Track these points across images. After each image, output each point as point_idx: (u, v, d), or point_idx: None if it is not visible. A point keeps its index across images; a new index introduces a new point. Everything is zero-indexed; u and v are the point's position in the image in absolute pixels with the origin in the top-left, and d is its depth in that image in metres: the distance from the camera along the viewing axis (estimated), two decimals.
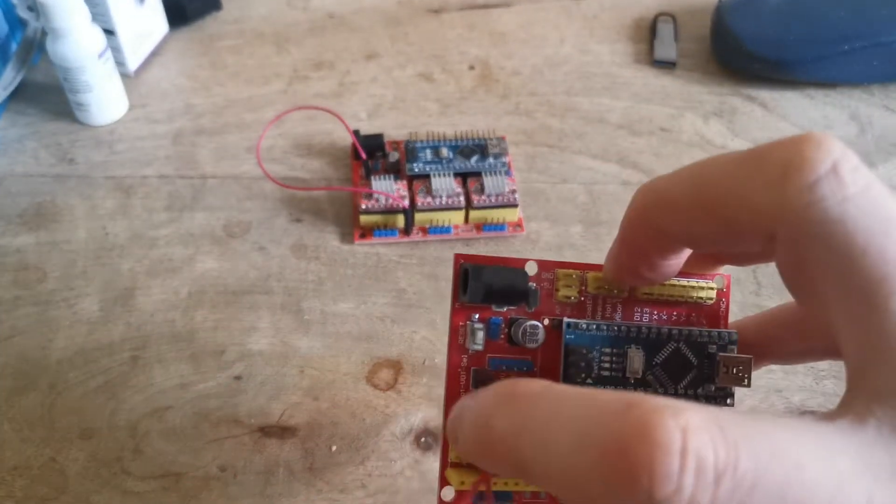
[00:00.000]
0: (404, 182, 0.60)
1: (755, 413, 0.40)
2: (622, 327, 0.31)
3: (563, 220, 0.61)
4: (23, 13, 0.69)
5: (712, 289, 0.32)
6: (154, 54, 0.73)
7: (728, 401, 0.31)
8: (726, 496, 0.19)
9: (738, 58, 0.70)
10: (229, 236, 0.60)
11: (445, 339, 0.53)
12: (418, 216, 0.59)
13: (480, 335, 0.30)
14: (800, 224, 0.23)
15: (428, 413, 0.51)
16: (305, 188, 0.63)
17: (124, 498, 0.47)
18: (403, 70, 0.73)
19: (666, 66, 0.73)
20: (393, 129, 0.67)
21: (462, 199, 0.59)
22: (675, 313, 0.32)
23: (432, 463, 0.49)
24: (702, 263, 0.32)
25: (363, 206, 0.58)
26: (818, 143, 0.23)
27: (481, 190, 0.59)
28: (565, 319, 0.31)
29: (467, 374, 0.31)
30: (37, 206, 0.61)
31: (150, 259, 0.58)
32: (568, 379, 0.30)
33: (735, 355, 0.31)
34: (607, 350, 0.30)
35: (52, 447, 0.49)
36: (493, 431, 0.24)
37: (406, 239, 0.59)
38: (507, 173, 0.60)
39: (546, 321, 0.31)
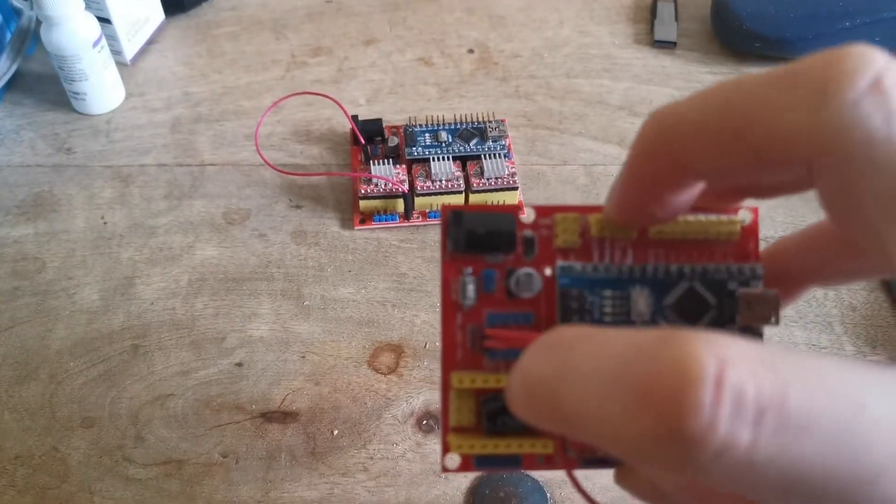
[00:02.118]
0: (404, 166, 0.59)
1: (807, 351, 0.36)
2: (623, 268, 0.27)
3: (564, 202, 0.61)
4: (16, 2, 0.69)
5: (735, 223, 0.28)
6: (150, 42, 0.73)
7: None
8: (771, 436, 0.17)
9: (738, 37, 0.70)
10: (229, 223, 0.59)
11: None
12: (418, 200, 0.58)
13: (471, 288, 0.27)
14: (843, 147, 0.21)
15: (429, 396, 0.51)
16: (305, 174, 0.62)
17: (126, 485, 0.47)
18: (402, 55, 0.73)
19: (666, 46, 0.73)
20: (392, 113, 0.67)
21: (462, 182, 0.58)
22: (694, 254, 0.28)
23: (434, 445, 0.49)
24: (719, 198, 0.28)
25: (363, 192, 0.58)
26: (858, 55, 0.21)
27: (481, 173, 0.58)
28: (558, 263, 0.28)
29: (463, 332, 0.28)
30: (35, 196, 0.61)
31: (150, 247, 0.58)
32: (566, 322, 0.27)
33: (759, 290, 0.27)
34: (608, 293, 0.27)
35: (53, 436, 0.49)
36: (534, 380, 0.22)
37: (406, 223, 0.59)
38: (507, 156, 0.60)
39: (548, 271, 0.28)
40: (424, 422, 0.50)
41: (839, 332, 0.53)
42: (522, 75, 0.70)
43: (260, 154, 0.62)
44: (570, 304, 0.27)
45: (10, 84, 0.69)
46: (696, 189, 0.26)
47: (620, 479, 0.28)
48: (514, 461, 0.28)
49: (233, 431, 0.49)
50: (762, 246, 0.28)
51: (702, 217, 0.28)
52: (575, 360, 0.21)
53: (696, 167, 0.24)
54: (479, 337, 0.28)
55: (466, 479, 0.47)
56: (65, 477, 0.48)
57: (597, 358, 0.20)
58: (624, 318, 0.27)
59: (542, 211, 0.28)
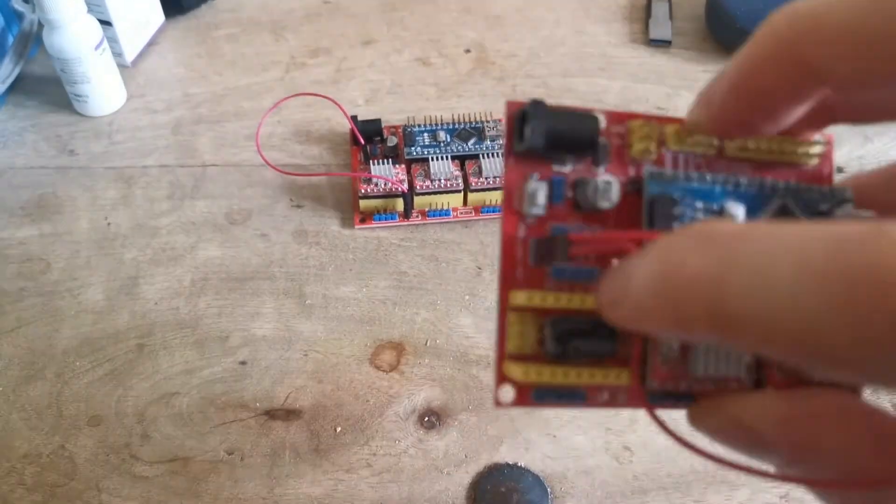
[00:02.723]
0: (403, 166, 0.60)
1: None
2: (717, 177, 0.24)
3: None
4: (18, 5, 0.69)
5: (817, 146, 0.25)
6: (151, 44, 0.74)
7: None
8: None
9: (732, 35, 0.70)
10: (231, 224, 0.60)
11: (446, 321, 0.54)
12: (417, 200, 0.59)
13: (542, 195, 0.24)
14: None
15: (431, 393, 0.51)
16: (305, 174, 0.63)
17: (133, 483, 0.48)
18: (400, 55, 0.73)
19: (661, 45, 0.73)
20: (391, 114, 0.67)
21: (460, 181, 0.59)
22: (771, 177, 0.25)
23: (436, 442, 0.49)
24: (810, 119, 0.25)
25: (362, 191, 0.59)
26: None
27: (479, 172, 0.59)
28: (646, 167, 0.24)
29: (525, 248, 0.24)
30: (38, 198, 0.62)
31: (153, 248, 0.59)
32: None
33: (855, 211, 0.24)
34: (699, 205, 0.24)
35: (60, 435, 0.50)
36: (687, 273, 0.19)
37: (406, 222, 0.60)
38: None
39: (618, 182, 0.24)
40: (426, 418, 0.50)
41: None
42: (519, 75, 0.71)
43: (261, 154, 0.63)
44: (663, 213, 0.24)
45: (13, 87, 0.69)
46: (810, 102, 0.23)
47: (697, 419, 0.24)
48: (577, 395, 0.24)
49: (237, 429, 0.50)
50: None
51: (780, 139, 0.25)
52: (748, 253, 0.18)
53: (835, 74, 0.21)
54: (562, 243, 0.24)
55: (468, 475, 0.48)
56: (72, 475, 0.48)
57: (778, 248, 0.18)
58: None
59: (613, 117, 0.25)
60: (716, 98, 0.24)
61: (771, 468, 0.22)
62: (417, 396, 0.51)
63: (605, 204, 0.24)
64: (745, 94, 0.23)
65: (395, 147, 0.62)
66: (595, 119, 0.24)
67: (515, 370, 0.23)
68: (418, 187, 0.59)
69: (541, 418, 0.51)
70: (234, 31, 0.75)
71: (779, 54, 0.21)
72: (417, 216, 0.60)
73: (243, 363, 0.53)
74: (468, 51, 0.73)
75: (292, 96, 0.68)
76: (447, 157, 0.60)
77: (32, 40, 0.70)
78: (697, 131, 0.25)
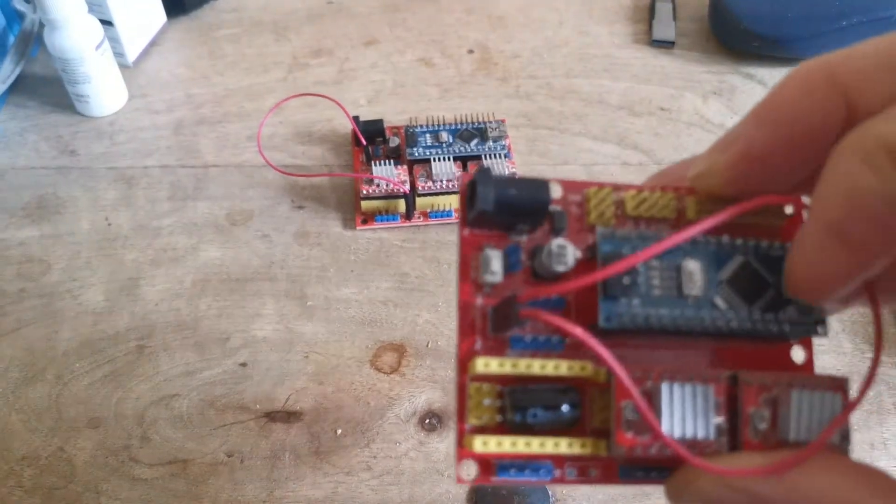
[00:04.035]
0: (405, 167, 0.60)
1: None
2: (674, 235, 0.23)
3: None
4: (19, 5, 0.69)
5: (783, 207, 0.25)
6: (152, 45, 0.73)
7: (818, 328, 0.24)
8: None
9: (736, 36, 0.70)
10: (232, 224, 0.60)
11: (447, 323, 0.54)
12: (419, 201, 0.59)
13: (496, 263, 0.24)
14: None
15: (432, 395, 0.51)
16: (307, 175, 0.63)
17: (133, 485, 0.48)
18: (403, 55, 0.73)
19: (665, 45, 0.73)
20: (393, 114, 0.67)
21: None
22: (757, 235, 0.24)
23: (437, 444, 0.49)
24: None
25: (364, 192, 0.58)
26: None
27: None
28: (599, 228, 0.24)
29: (484, 317, 0.24)
30: (39, 198, 0.62)
31: (154, 249, 0.59)
32: (608, 301, 0.23)
33: None
34: (656, 264, 0.23)
35: (59, 437, 0.50)
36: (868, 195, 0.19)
37: (407, 223, 0.59)
38: (507, 156, 0.60)
39: (577, 253, 0.24)
40: (427, 421, 0.50)
41: (837, 329, 0.53)
42: (522, 75, 0.71)
43: (262, 155, 0.62)
44: (619, 276, 0.23)
45: (14, 87, 0.69)
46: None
47: (676, 491, 0.23)
48: (542, 469, 0.24)
49: (237, 431, 0.50)
50: None
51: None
52: None
53: (866, 94, 0.20)
54: (511, 306, 0.23)
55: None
56: (71, 477, 0.48)
57: None
58: (675, 292, 0.23)
59: (570, 186, 0.25)
60: (737, 138, 0.23)
61: None
62: (418, 398, 0.51)
63: (560, 268, 0.24)
64: (774, 123, 0.22)
65: (398, 148, 0.61)
66: (545, 185, 0.24)
67: (475, 442, 0.23)
68: (420, 188, 0.58)
69: None
70: (236, 31, 0.75)
71: (811, 80, 0.21)
72: (419, 217, 0.59)
73: (244, 365, 0.53)
74: (471, 51, 0.73)
75: (294, 97, 0.68)
76: (449, 158, 0.59)
77: (33, 40, 0.70)
78: (711, 185, 0.24)
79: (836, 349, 0.52)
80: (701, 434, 0.22)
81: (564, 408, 0.23)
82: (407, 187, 0.58)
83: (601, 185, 0.25)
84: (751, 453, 0.22)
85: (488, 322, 0.24)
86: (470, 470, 0.23)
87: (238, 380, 0.52)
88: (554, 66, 0.72)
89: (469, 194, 0.24)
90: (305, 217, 0.60)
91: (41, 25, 0.68)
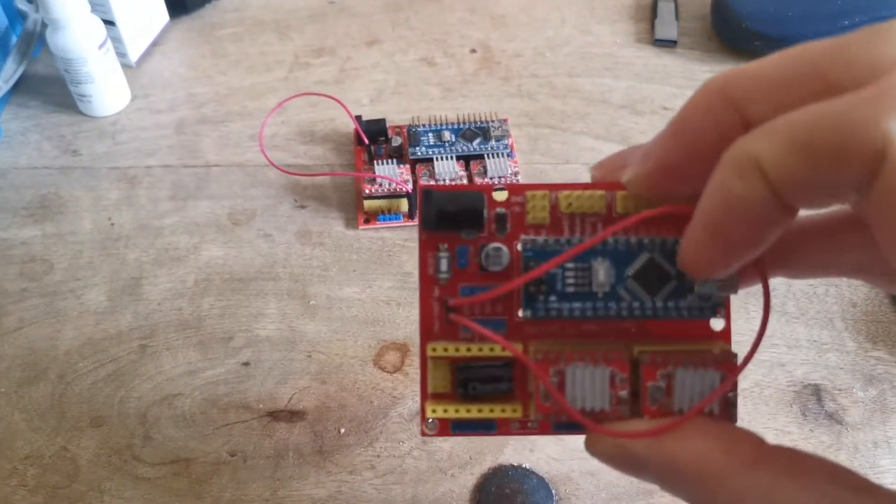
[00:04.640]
0: (407, 166, 0.60)
1: None
2: (584, 240, 0.28)
3: None
4: (22, 5, 0.69)
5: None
6: (155, 44, 0.73)
7: (718, 311, 0.28)
8: None
9: (738, 35, 0.70)
10: (234, 224, 0.60)
11: None
12: None
13: (445, 263, 0.29)
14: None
15: None
16: (309, 174, 0.63)
17: (136, 484, 0.48)
18: (405, 55, 0.73)
19: (667, 45, 0.73)
20: (395, 113, 0.67)
21: (465, 181, 0.59)
22: (660, 229, 0.28)
23: (440, 443, 0.49)
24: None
25: (367, 191, 0.58)
26: None
27: (484, 172, 0.59)
28: (521, 237, 0.29)
29: (440, 305, 0.30)
30: (41, 198, 0.62)
31: (156, 248, 0.59)
32: (530, 298, 0.28)
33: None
34: (570, 266, 0.28)
35: (62, 436, 0.50)
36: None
37: (410, 223, 0.59)
38: (510, 155, 0.60)
39: (519, 246, 0.29)
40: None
41: (840, 328, 0.53)
42: (524, 75, 0.71)
43: (264, 154, 0.62)
44: (529, 285, 0.28)
45: (17, 86, 0.69)
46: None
47: (590, 446, 0.28)
48: (488, 425, 0.30)
49: (240, 430, 0.50)
50: None
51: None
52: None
53: (756, 106, 0.23)
54: (447, 310, 0.29)
55: (472, 477, 0.48)
56: (74, 476, 0.48)
57: None
58: (586, 288, 0.28)
59: (514, 189, 0.29)
60: (655, 149, 0.26)
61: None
62: None
63: (496, 268, 0.29)
64: (682, 136, 0.25)
65: (400, 147, 0.61)
66: (480, 197, 0.29)
67: (435, 408, 0.29)
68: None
69: None
70: (238, 30, 0.75)
71: (710, 97, 0.24)
72: None
73: (246, 364, 0.53)
74: (473, 51, 0.73)
75: (296, 96, 0.68)
76: (452, 158, 0.59)
77: (36, 40, 0.70)
78: (636, 191, 0.27)
79: (840, 347, 0.52)
80: (598, 405, 0.28)
81: (499, 384, 0.29)
82: (409, 186, 0.58)
83: (540, 187, 0.29)
84: (645, 419, 0.28)
85: (442, 310, 0.30)
86: (432, 427, 0.30)
87: (241, 379, 0.52)
88: (556, 65, 0.72)
89: (420, 208, 0.29)
90: (308, 216, 0.60)
91: (44, 25, 0.68)
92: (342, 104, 0.63)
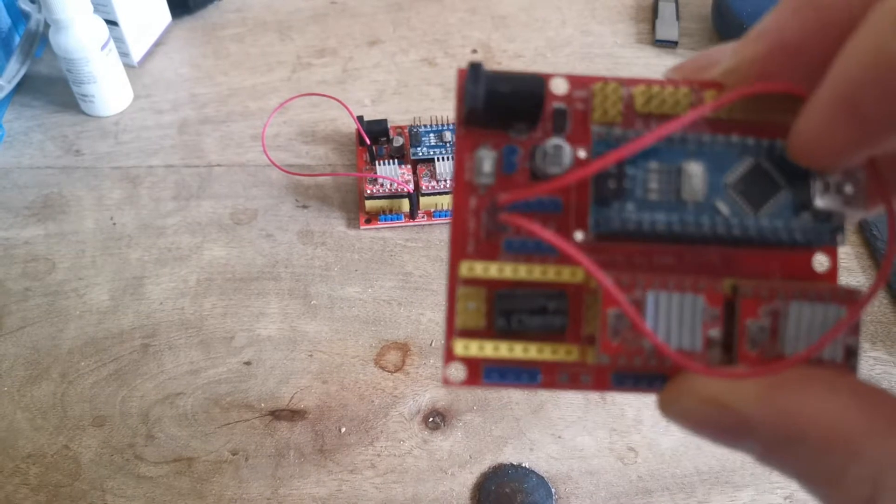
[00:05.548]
0: (409, 166, 0.60)
1: None
2: (674, 135, 0.22)
3: None
4: (24, 5, 0.69)
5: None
6: (157, 44, 0.74)
7: (837, 237, 0.22)
8: None
9: (739, 36, 0.70)
10: (236, 224, 0.60)
11: None
12: (423, 200, 0.59)
13: (489, 164, 0.23)
14: None
15: (436, 394, 0.51)
16: (311, 174, 0.63)
17: (138, 483, 0.48)
18: (406, 55, 0.73)
19: (668, 45, 0.73)
20: (397, 114, 0.67)
21: None
22: (774, 135, 0.22)
23: (441, 442, 0.49)
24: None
25: (368, 192, 0.59)
26: None
27: None
28: (593, 127, 0.23)
29: (477, 220, 0.23)
30: (44, 197, 0.62)
31: (159, 248, 0.59)
32: (601, 205, 0.22)
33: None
34: (654, 166, 0.22)
35: (65, 435, 0.50)
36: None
37: (411, 223, 0.60)
38: None
39: (582, 153, 0.23)
40: (431, 419, 0.50)
41: None
42: None
43: (266, 155, 0.63)
44: (605, 179, 0.22)
45: (20, 87, 0.69)
46: None
47: (667, 404, 0.22)
48: (531, 374, 0.23)
49: (242, 429, 0.50)
50: None
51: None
52: None
53: None
54: (493, 210, 0.23)
55: (472, 476, 0.48)
56: (77, 475, 0.48)
57: None
58: (673, 196, 0.22)
59: (576, 81, 0.23)
60: (770, 27, 0.21)
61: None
62: (422, 397, 0.51)
63: (554, 169, 0.23)
64: (811, 8, 0.20)
65: (401, 147, 0.61)
66: (540, 80, 0.22)
67: (467, 344, 0.22)
68: (424, 188, 0.59)
69: (546, 419, 0.50)
70: (240, 31, 0.75)
71: None
72: (423, 217, 0.60)
73: (248, 363, 0.53)
74: (474, 51, 0.73)
75: (298, 96, 0.68)
76: (453, 158, 0.59)
77: (39, 40, 0.70)
78: (737, 80, 0.22)
79: None
80: (686, 345, 0.21)
81: (553, 316, 0.23)
82: (411, 187, 0.58)
83: (612, 80, 0.23)
84: (748, 367, 0.21)
85: (481, 225, 0.23)
86: (458, 373, 0.23)
87: (242, 378, 0.52)
88: (557, 65, 0.72)
89: (461, 93, 0.23)
90: (309, 216, 0.60)
91: (46, 25, 0.69)
92: (344, 105, 0.63)
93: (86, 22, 0.62)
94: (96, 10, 0.63)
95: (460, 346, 0.22)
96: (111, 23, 0.67)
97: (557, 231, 0.23)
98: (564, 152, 0.23)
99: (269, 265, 0.58)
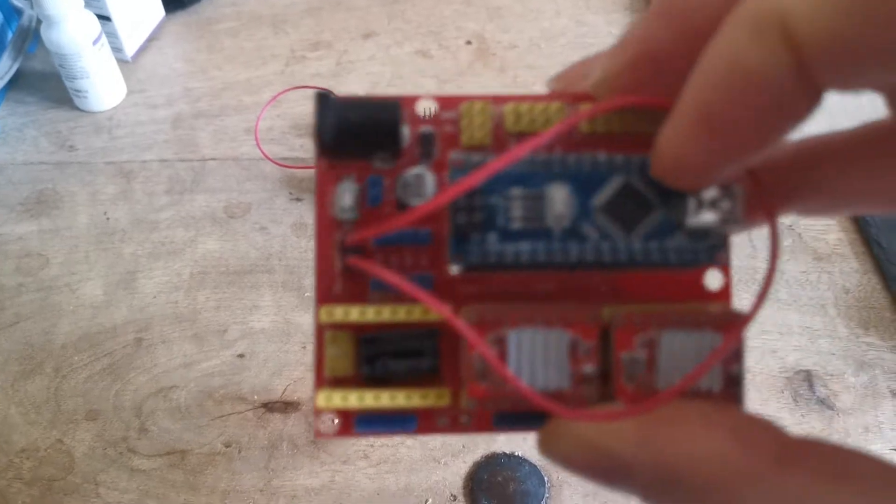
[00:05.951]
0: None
1: None
2: (537, 159, 0.20)
3: None
4: (16, 1, 0.69)
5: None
6: (151, 39, 0.74)
7: (716, 256, 0.20)
8: None
9: None
10: (230, 217, 0.60)
11: None
12: None
13: (349, 198, 0.21)
14: None
15: None
16: (304, 167, 0.63)
17: (131, 476, 0.48)
18: (401, 47, 0.73)
19: None
20: None
21: None
22: (642, 150, 0.20)
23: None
24: None
25: None
26: None
27: None
28: (450, 154, 0.20)
29: (342, 252, 0.22)
30: (38, 193, 0.62)
31: (152, 242, 0.59)
32: (460, 237, 0.20)
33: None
34: (517, 192, 0.20)
35: (58, 429, 0.50)
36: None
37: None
38: None
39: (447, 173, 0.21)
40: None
41: (833, 314, 0.53)
42: (520, 66, 0.71)
43: (260, 148, 0.63)
44: (460, 210, 0.20)
45: (13, 83, 0.69)
46: None
47: (546, 445, 0.20)
48: (404, 422, 0.21)
49: (235, 422, 0.50)
50: None
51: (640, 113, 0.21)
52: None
53: None
54: (343, 251, 0.22)
55: (465, 465, 0.48)
56: (70, 469, 0.48)
57: None
58: (538, 223, 0.20)
59: (445, 102, 0.21)
60: (634, 36, 0.19)
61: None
62: None
63: (417, 200, 0.21)
64: (672, 13, 0.18)
65: None
66: (395, 105, 0.21)
67: (330, 396, 0.21)
68: None
69: None
70: (234, 25, 0.75)
71: None
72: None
73: (241, 356, 0.53)
74: (469, 42, 0.73)
75: (291, 89, 0.68)
76: None
77: (31, 36, 0.70)
78: (606, 92, 0.20)
79: (832, 333, 0.52)
80: (553, 385, 0.19)
81: (421, 359, 0.21)
82: None
83: (476, 99, 0.21)
84: (620, 403, 0.20)
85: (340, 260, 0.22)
86: (330, 424, 0.21)
87: (236, 371, 0.52)
88: (551, 56, 0.71)
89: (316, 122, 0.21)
90: (303, 209, 0.60)
91: (38, 21, 0.69)
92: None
93: (77, 17, 0.62)
94: (89, 6, 0.63)
95: (322, 399, 0.21)
96: (104, 18, 0.67)
97: (429, 265, 0.21)
98: (426, 181, 0.21)
99: (263, 258, 0.58)
